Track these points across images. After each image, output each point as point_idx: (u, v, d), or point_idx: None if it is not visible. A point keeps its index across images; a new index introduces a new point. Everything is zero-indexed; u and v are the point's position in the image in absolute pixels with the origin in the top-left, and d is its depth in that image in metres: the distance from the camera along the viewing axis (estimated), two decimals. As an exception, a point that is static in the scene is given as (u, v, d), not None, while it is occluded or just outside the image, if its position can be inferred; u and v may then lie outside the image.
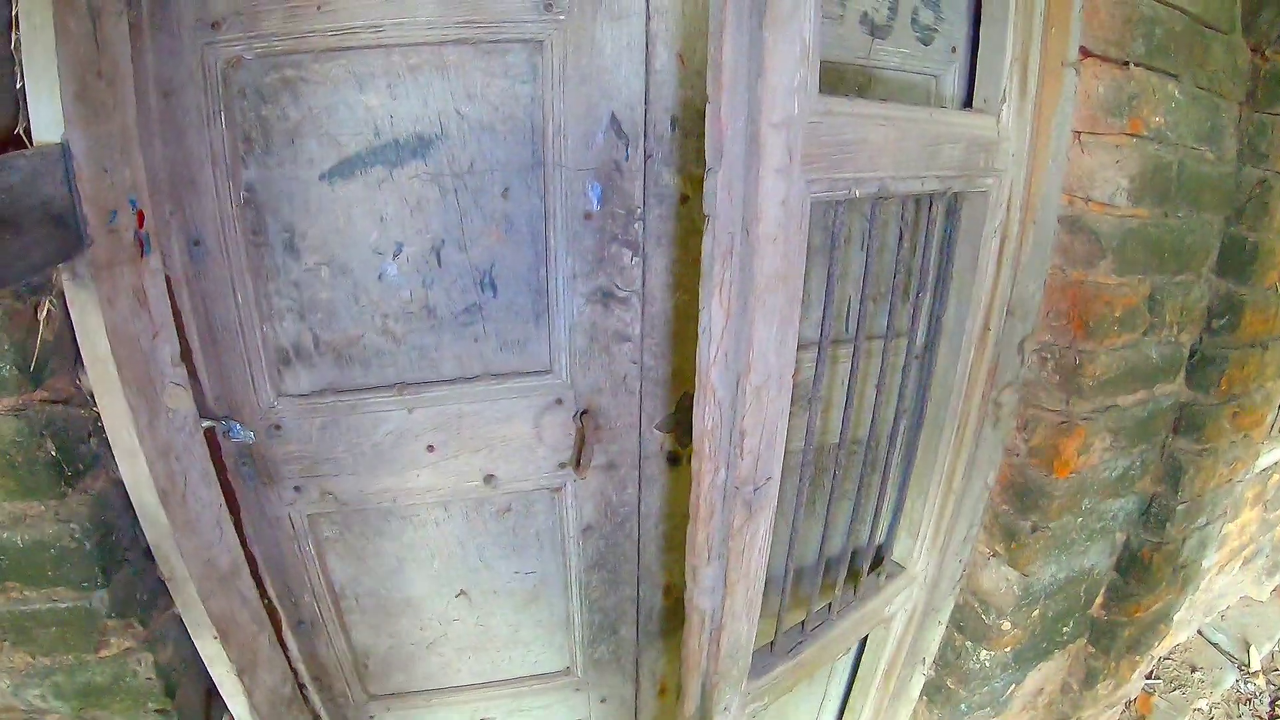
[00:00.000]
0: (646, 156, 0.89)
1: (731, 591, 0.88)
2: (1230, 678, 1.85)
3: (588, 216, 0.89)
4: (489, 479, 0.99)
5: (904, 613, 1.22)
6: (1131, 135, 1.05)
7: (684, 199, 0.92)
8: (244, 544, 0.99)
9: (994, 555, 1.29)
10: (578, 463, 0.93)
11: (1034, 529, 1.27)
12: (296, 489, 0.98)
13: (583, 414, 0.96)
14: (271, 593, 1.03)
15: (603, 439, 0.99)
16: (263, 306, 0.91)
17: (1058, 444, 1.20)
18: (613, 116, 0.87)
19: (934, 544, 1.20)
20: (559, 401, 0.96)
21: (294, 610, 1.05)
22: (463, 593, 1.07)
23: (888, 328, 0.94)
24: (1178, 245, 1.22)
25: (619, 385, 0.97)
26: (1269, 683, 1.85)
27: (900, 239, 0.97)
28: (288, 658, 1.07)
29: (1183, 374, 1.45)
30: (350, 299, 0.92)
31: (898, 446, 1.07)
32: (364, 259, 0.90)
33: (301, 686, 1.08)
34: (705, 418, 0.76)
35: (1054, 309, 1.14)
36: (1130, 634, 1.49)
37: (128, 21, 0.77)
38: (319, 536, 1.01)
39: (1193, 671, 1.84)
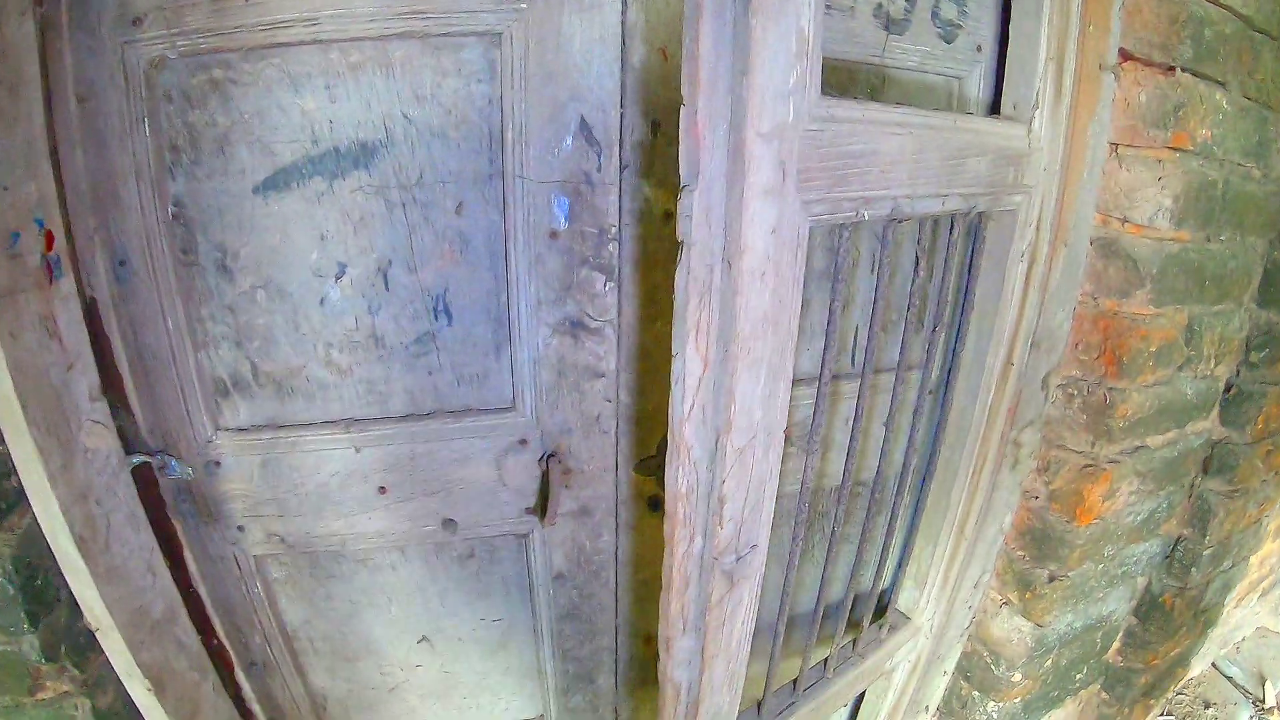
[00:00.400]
0: (622, 167, 0.73)
1: (709, 665, 0.73)
2: (1244, 715, 1.67)
3: (553, 235, 0.74)
4: (448, 524, 0.84)
5: (907, 663, 1.06)
6: (1175, 149, 0.87)
7: (667, 216, 0.76)
8: (188, 582, 0.86)
9: (1006, 604, 1.12)
10: (543, 510, 0.78)
11: (1051, 578, 1.10)
12: (240, 528, 0.84)
13: (550, 456, 0.81)
14: (221, 633, 0.90)
15: (573, 484, 0.84)
16: (196, 333, 0.77)
17: (1082, 489, 1.02)
18: (582, 121, 0.71)
19: (942, 590, 1.04)
20: (523, 442, 0.81)
21: (245, 652, 0.92)
22: (425, 639, 0.93)
23: (899, 361, 0.77)
24: (1219, 272, 1.04)
25: (591, 425, 0.81)
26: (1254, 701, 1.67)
27: (916, 262, 0.80)
28: (241, 698, 0.94)
29: (1217, 410, 1.25)
30: (290, 325, 0.77)
31: (906, 490, 0.90)
32: (303, 281, 0.76)
33: (255, 729, 0.95)
34: (679, 479, 0.61)
35: (1083, 341, 0.97)
36: (1146, 681, 1.32)
37: (37, 21, 0.63)
38: (267, 578, 0.88)
39: (1206, 708, 1.66)
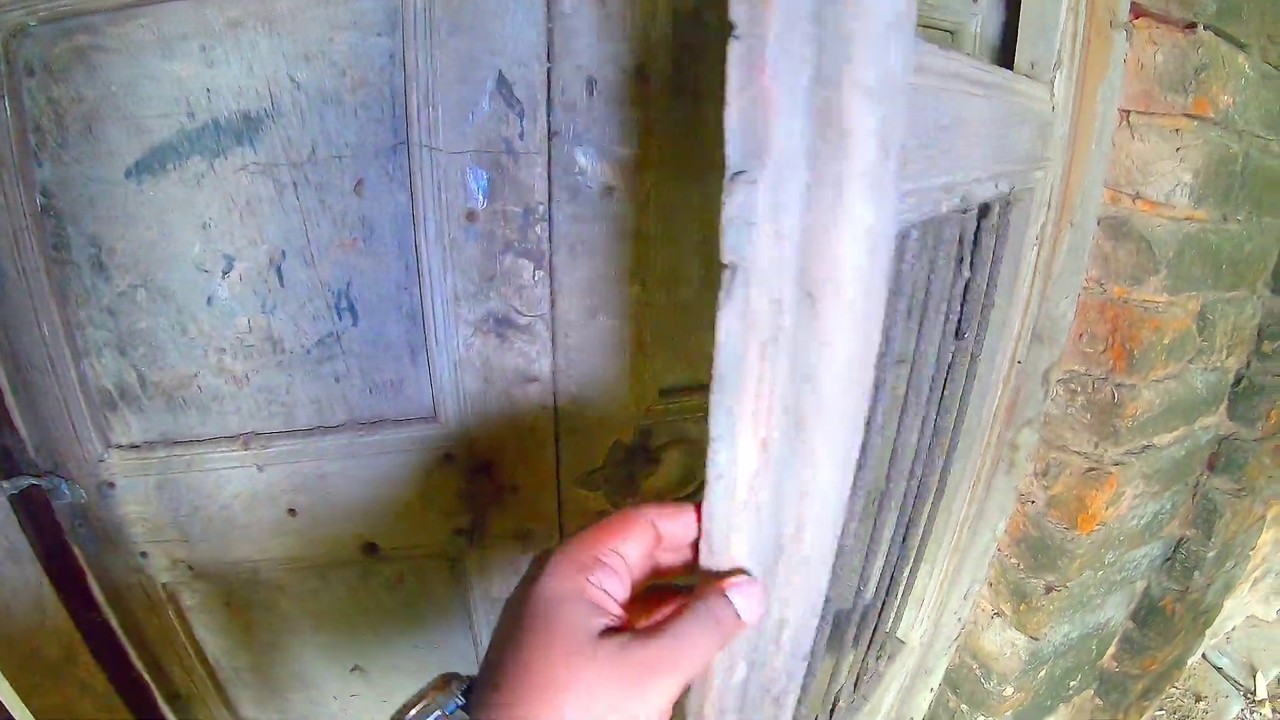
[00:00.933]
0: (551, 133, 0.57)
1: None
2: (1235, 707, 1.51)
3: (471, 217, 0.58)
4: (369, 548, 0.69)
5: (895, 681, 0.91)
6: (1195, 117, 0.70)
7: (608, 190, 0.60)
8: (94, 612, 0.72)
9: (998, 615, 0.97)
10: (472, 533, 0.63)
11: (1049, 589, 0.94)
12: (144, 555, 0.70)
13: (479, 472, 0.65)
14: (138, 664, 0.75)
15: (508, 502, 0.68)
16: (75, 339, 0.63)
17: (1084, 495, 0.86)
18: (500, 77, 0.55)
19: (934, 603, 0.88)
20: (448, 457, 0.66)
21: (166, 683, 0.78)
22: (357, 668, 0.78)
23: (910, 373, 0.57)
24: (1236, 255, 0.87)
25: (526, 436, 0.66)
26: (1274, 711, 1.52)
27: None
28: (167, 734, 0.80)
29: (1225, 404, 1.08)
30: (176, 329, 0.62)
31: (913, 505, 0.74)
32: (187, 278, 0.61)
33: (186, 762, 0.81)
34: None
35: (1087, 332, 0.80)
36: (1142, 686, 1.16)
37: None
38: (180, 606, 0.74)
39: (1197, 701, 1.50)
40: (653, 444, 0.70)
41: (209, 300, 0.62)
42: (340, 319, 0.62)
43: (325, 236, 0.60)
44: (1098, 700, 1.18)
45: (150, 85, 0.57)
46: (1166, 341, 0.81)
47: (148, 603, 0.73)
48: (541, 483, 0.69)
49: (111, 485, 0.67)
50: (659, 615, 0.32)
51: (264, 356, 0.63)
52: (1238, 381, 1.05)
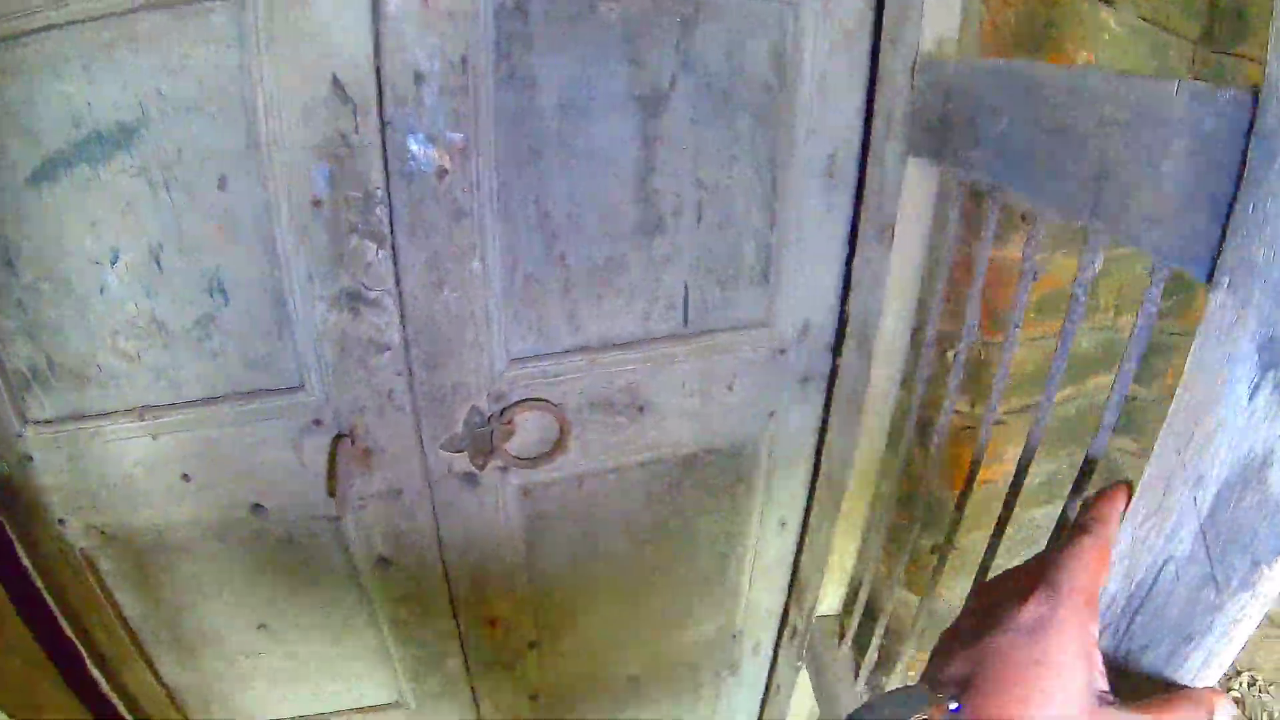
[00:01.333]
0: (384, 124, 0.65)
1: None
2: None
3: (317, 204, 0.67)
4: (257, 509, 0.77)
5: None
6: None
7: (441, 173, 0.67)
8: (23, 579, 0.80)
9: (891, 578, 1.00)
10: (333, 491, 0.70)
11: (934, 550, 0.98)
12: (61, 522, 0.79)
13: (344, 436, 0.72)
14: (66, 628, 0.84)
15: (376, 464, 0.76)
16: (-8, 328, 0.71)
17: (960, 453, 0.90)
18: (334, 79, 0.64)
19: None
20: (318, 423, 0.73)
21: (93, 646, 0.86)
22: (263, 626, 0.86)
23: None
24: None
25: (385, 402, 0.73)
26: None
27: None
28: (100, 694, 0.88)
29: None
30: (77, 315, 0.71)
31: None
32: (82, 270, 0.70)
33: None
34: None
35: (955, 293, 0.84)
36: None
37: None
38: (98, 571, 0.82)
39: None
40: (507, 407, 0.76)
41: (101, 289, 0.71)
42: (214, 300, 0.71)
43: (195, 228, 0.69)
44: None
45: (43, 103, 0.66)
46: (1036, 299, 0.85)
47: (69, 569, 0.82)
48: (405, 446, 0.76)
49: (30, 458, 0.76)
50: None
51: (152, 337, 0.72)
52: (1132, 341, 1.08)
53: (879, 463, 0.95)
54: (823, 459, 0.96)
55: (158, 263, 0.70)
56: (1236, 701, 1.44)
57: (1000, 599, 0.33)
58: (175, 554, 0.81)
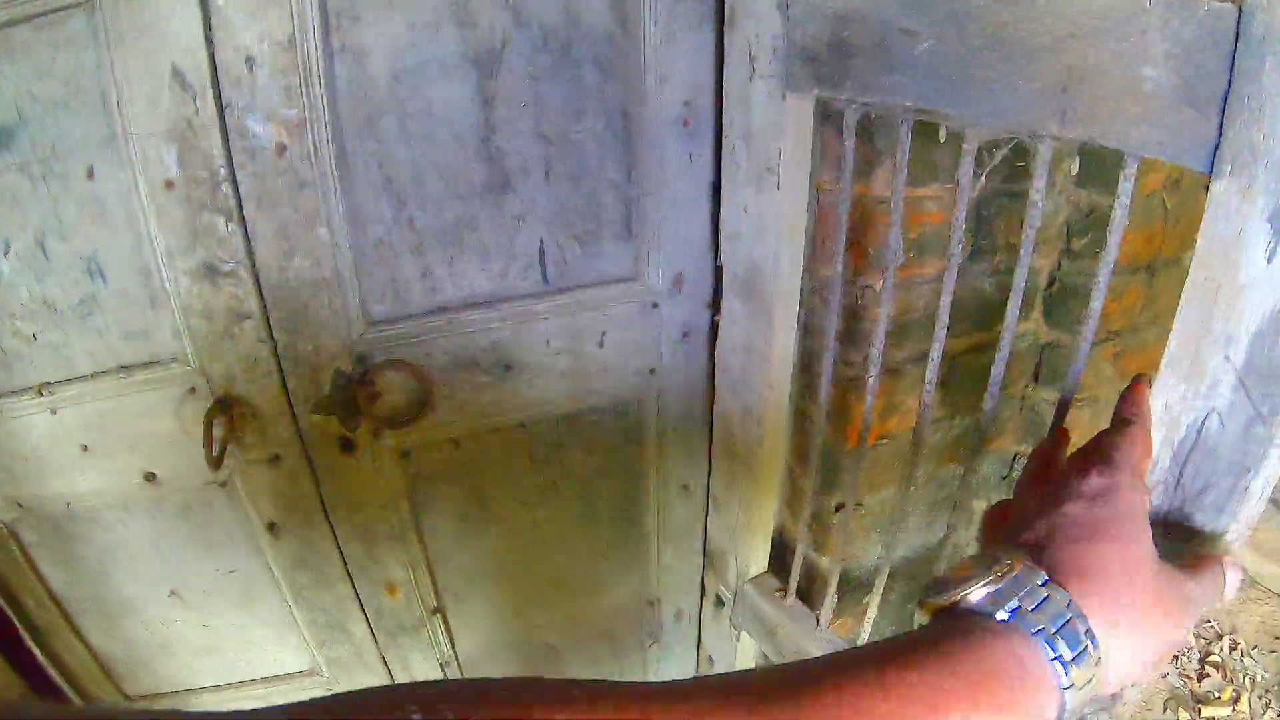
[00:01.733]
0: (222, 107, 0.70)
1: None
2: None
3: (169, 186, 0.72)
4: (150, 477, 0.83)
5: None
6: None
7: (281, 148, 0.72)
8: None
9: (800, 540, 0.99)
10: (216, 459, 0.75)
11: (839, 508, 0.96)
12: (-15, 498, 0.86)
13: (221, 403, 0.77)
14: (1, 601, 0.91)
15: (250, 429, 0.81)
16: (-85, 318, 0.79)
17: (849, 406, 0.88)
18: (174, 68, 0.70)
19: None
20: (193, 390, 0.79)
21: (26, 618, 0.93)
22: (174, 593, 0.91)
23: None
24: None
25: (253, 368, 0.78)
26: (1198, 635, 1.39)
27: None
28: (37, 665, 0.95)
29: (1039, 308, 1.07)
30: (-20, 302, 0.78)
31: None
32: (-19, 260, 0.77)
33: (56, 690, 0.96)
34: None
35: (827, 234, 0.83)
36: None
37: None
38: (23, 543, 0.89)
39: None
40: (370, 369, 0.80)
41: None
42: (94, 281, 0.77)
43: (71, 216, 0.75)
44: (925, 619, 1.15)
45: (-59, 113, 0.75)
46: (913, 236, 0.83)
47: (-1, 541, 0.90)
48: (277, 411, 0.81)
49: (-47, 438, 0.85)
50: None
51: (45, 318, 0.79)
52: (1050, 284, 1.04)
53: (787, 421, 0.94)
54: (715, 419, 0.96)
55: (43, 249, 0.77)
56: (1216, 666, 1.34)
57: (1064, 476, 0.38)
58: (86, 525, 0.88)
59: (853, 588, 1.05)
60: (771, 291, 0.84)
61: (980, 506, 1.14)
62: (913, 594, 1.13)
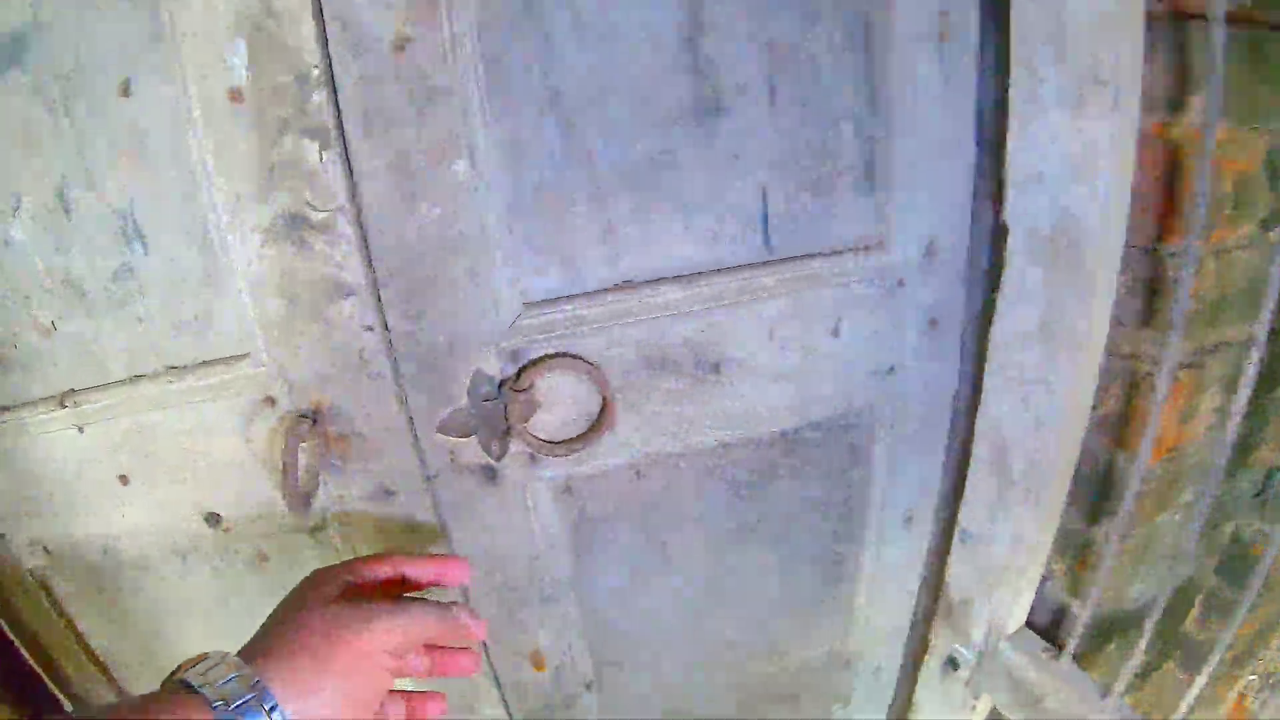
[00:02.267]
0: None
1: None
2: None
3: (235, 97, 0.48)
4: (212, 519, 0.60)
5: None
6: None
7: (401, 44, 0.48)
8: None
9: (1047, 578, 0.73)
10: (301, 496, 0.52)
11: (1109, 538, 0.71)
12: (2, 536, 0.65)
13: (304, 418, 0.54)
14: (30, 660, 0.71)
15: (353, 454, 0.57)
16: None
17: (1141, 408, 0.62)
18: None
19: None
20: (269, 400, 0.55)
21: (63, 682, 0.73)
22: (247, 664, 0.69)
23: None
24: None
25: (355, 368, 0.55)
26: None
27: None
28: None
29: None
30: (-17, 281, 0.56)
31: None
32: (-18, 222, 0.54)
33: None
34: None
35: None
36: (1232, 654, 0.88)
37: None
38: (56, 594, 0.68)
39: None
40: (525, 369, 0.56)
41: (7, 245, 0.56)
42: (131, 247, 0.54)
43: (101, 154, 0.52)
44: (1179, 673, 0.88)
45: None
46: (1228, 189, 0.56)
47: (22, 588, 0.69)
48: (389, 428, 0.57)
49: (-40, 460, 0.64)
50: None
51: (68, 301, 0.56)
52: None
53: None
54: (978, 433, 0.69)
55: (64, 204, 0.54)
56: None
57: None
58: (136, 573, 0.65)
59: (1096, 633, 0.80)
60: (1093, 253, 0.57)
61: (1229, 530, 0.87)
62: (1151, 635, 0.86)
